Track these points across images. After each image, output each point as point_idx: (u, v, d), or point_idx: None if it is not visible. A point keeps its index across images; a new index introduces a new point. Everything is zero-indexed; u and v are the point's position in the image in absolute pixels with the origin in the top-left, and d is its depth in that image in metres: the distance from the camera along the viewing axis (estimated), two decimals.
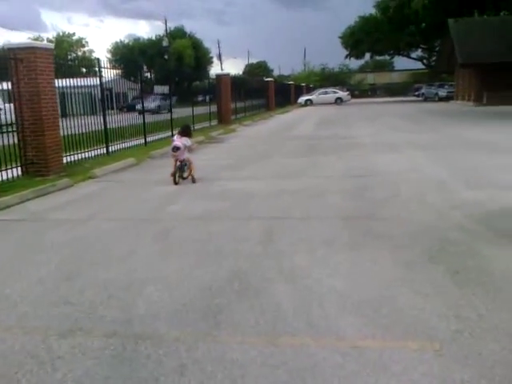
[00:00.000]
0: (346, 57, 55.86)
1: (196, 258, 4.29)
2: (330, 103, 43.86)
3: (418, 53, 54.40)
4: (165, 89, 19.67)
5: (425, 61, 55.16)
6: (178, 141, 7.89)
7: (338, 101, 44.48)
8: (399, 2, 35.94)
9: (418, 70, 62.71)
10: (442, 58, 38.43)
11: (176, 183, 7.78)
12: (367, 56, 56.64)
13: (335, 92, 46.55)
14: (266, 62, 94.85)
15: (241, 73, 77.27)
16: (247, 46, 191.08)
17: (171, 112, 16.06)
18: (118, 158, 10.94)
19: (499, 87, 28.66)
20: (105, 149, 11.54)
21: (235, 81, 26.40)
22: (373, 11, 50.72)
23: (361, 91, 67.12)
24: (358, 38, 50.68)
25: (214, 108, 21.96)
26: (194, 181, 7.95)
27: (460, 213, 5.39)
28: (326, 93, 46.45)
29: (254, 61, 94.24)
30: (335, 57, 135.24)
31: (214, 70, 73.77)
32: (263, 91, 34.36)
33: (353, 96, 50.66)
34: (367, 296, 3.37)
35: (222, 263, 4.14)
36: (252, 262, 4.12)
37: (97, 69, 11.84)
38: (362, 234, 4.81)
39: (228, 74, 24.23)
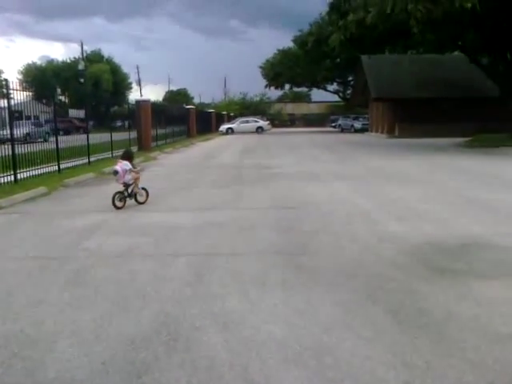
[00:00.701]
0: (266, 86, 57.25)
1: (116, 305, 3.83)
2: (251, 132, 44.41)
3: (334, 86, 56.95)
4: (80, 113, 18.75)
5: (340, 94, 57.80)
6: (118, 165, 8.11)
7: (259, 130, 45.17)
8: (317, 38, 37.44)
9: (334, 102, 65.55)
10: (357, 92, 40.44)
11: (117, 207, 7.88)
12: (286, 86, 58.34)
13: (256, 121, 47.30)
14: (187, 90, 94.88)
15: (161, 99, 76.52)
16: (167, 73, 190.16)
17: (88, 137, 15.25)
18: (28, 186, 10.05)
19: (410, 120, 30.53)
20: (13, 176, 10.60)
21: (156, 107, 25.90)
22: (291, 45, 52.69)
23: (280, 121, 68.79)
24: (277, 71, 52.20)
25: (133, 134, 21.27)
26: (139, 202, 8.28)
27: (389, 246, 5.36)
28: (247, 122, 47.04)
29: (174, 88, 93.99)
30: (255, 85, 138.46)
31: (134, 95, 72.36)
32: (184, 118, 34.07)
33: (273, 125, 51.71)
34: (308, 343, 3.11)
35: (146, 309, 3.71)
36: (180, 307, 3.74)
37: (5, 90, 10.95)
38: (295, 271, 4.59)
39: (148, 100, 23.76)
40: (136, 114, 22.04)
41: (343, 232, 6.11)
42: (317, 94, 73.83)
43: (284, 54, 52.91)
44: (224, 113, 57.23)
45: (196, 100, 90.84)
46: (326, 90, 56.85)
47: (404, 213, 7.17)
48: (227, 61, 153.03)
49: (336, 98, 60.42)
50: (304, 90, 67.96)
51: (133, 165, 8.33)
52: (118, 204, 7.93)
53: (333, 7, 27.21)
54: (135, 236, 6.09)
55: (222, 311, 3.65)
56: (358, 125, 44.19)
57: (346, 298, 3.86)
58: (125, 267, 4.78)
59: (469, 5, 15.92)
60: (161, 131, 25.91)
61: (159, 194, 9.38)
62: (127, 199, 8.10)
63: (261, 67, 56.04)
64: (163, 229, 6.44)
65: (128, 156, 8.45)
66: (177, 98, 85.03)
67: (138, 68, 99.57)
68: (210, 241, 5.77)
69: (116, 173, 8.09)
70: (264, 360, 2.92)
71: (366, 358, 2.92)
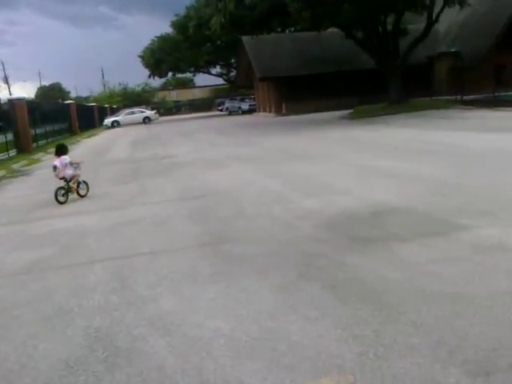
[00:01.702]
0: (150, 76, 55.68)
1: (38, 328, 3.44)
2: (139, 123, 42.98)
3: (218, 69, 56.91)
4: None
5: (224, 76, 57.97)
6: (56, 161, 8.32)
7: (146, 120, 43.85)
8: (197, 22, 36.96)
9: (219, 85, 65.61)
10: (241, 74, 40.78)
11: (60, 202, 7.98)
12: (170, 74, 57.18)
13: (142, 111, 45.81)
14: (61, 84, 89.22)
15: (33, 96, 71.09)
16: (37, 68, 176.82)
17: None
18: None
19: (295, 98, 31.54)
20: None
21: (31, 105, 23.95)
22: (169, 30, 51.58)
23: (165, 109, 67.40)
24: (158, 58, 50.88)
25: (10, 136, 19.48)
26: (81, 195, 8.39)
27: (307, 223, 5.45)
28: (132, 113, 45.39)
29: (46, 83, 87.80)
30: (135, 75, 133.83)
31: (2, 95, 66.35)
32: (64, 115, 31.98)
33: (159, 114, 50.48)
34: (257, 333, 3.04)
35: (72, 327, 3.38)
36: (111, 318, 3.46)
37: None
38: (222, 261, 4.48)
39: (23, 98, 21.83)
40: (10, 115, 20.16)
41: (259, 214, 6.10)
42: (201, 79, 73.54)
43: (163, 40, 51.65)
44: (106, 105, 54.72)
45: (72, 94, 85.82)
46: (209, 73, 56.73)
47: (313, 188, 7.34)
48: (102, 50, 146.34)
49: (220, 81, 60.61)
50: (187, 75, 67.08)
51: (70, 160, 8.40)
52: (61, 199, 8.02)
53: None
54: (38, 247, 5.55)
55: (159, 315, 3.44)
56: (245, 106, 44.68)
57: (281, 281, 3.83)
58: (36, 284, 4.33)
59: None
60: (40, 130, 24.07)
61: (52, 199, 8.67)
62: (69, 194, 8.19)
63: (140, 56, 54.24)
64: (69, 235, 5.95)
65: (63, 151, 8.54)
66: (51, 93, 79.67)
67: (3, 64, 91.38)
68: (125, 242, 5.44)
69: (55, 168, 8.26)
70: (216, 358, 2.80)
71: (318, 337, 2.92)
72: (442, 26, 29.78)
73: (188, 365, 2.75)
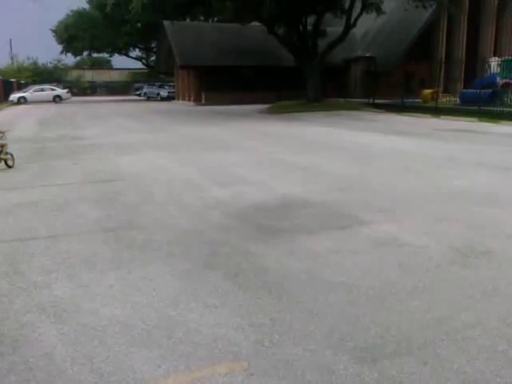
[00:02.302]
0: (62, 52, 52.69)
1: None
2: (48, 101, 40.54)
3: (137, 52, 55.12)
4: None
5: (144, 60, 56.28)
6: None
7: (57, 99, 41.40)
8: (116, 0, 35.48)
9: (137, 69, 63.55)
10: (161, 59, 39.78)
11: None
12: (85, 53, 54.45)
13: (53, 89, 43.18)
14: None
15: None
16: None
17: None
18: None
19: (216, 88, 31.37)
20: None
21: None
22: (86, 6, 49.09)
23: (80, 89, 64.16)
24: (72, 34, 48.26)
25: None
26: (9, 165, 8.47)
27: (217, 212, 5.44)
28: (42, 90, 42.60)
29: None
30: (47, 50, 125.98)
31: None
32: None
33: (72, 94, 47.93)
34: (154, 321, 2.97)
35: None
36: None
37: None
38: (126, 247, 4.34)
39: None
40: None
41: (168, 201, 5.99)
42: (118, 61, 70.59)
43: (79, 16, 49.02)
44: (13, 80, 51.03)
45: None
46: (128, 56, 54.69)
47: (225, 178, 7.34)
48: (12, 21, 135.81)
49: (139, 64, 58.72)
50: (104, 56, 64.29)
51: None
52: None
53: None
54: None
55: (52, 301, 3.26)
56: (164, 93, 43.72)
57: (184, 268, 3.79)
58: None
59: None
60: None
61: None
62: None
63: (53, 30, 51.11)
64: None
65: None
66: None
67: None
68: (21, 224, 5.09)
69: None
70: (110, 346, 2.70)
71: (216, 325, 2.91)
72: (359, 31, 31.06)
73: (79, 353, 2.63)
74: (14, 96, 41.19)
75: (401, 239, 4.39)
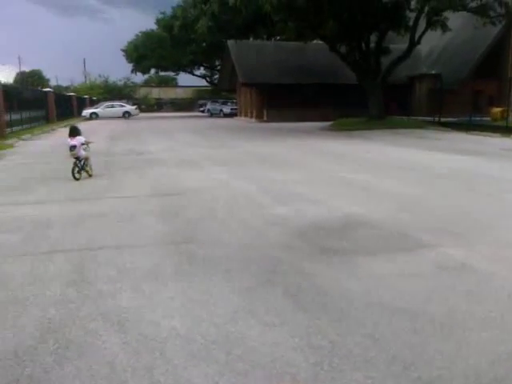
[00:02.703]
0: (132, 71, 55.11)
1: None
2: (118, 117, 42.46)
3: (201, 70, 56.67)
4: None
5: (208, 78, 57.74)
6: (73, 141, 8.95)
7: (126, 115, 43.34)
8: (182, 22, 36.75)
9: (201, 86, 65.31)
10: (224, 77, 40.67)
11: (76, 179, 8.79)
12: (152, 71, 56.68)
13: (122, 106, 45.25)
14: (41, 71, 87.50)
15: (11, 81, 69.59)
16: (18, 53, 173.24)
17: None
18: None
19: (278, 105, 31.62)
20: None
21: (8, 90, 23.42)
22: (154, 27, 51.19)
23: (147, 105, 66.76)
24: (141, 53, 50.39)
25: None
26: (88, 173, 9.19)
27: (277, 229, 5.43)
28: (112, 106, 44.76)
29: (26, 69, 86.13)
30: (117, 69, 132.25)
31: None
32: (42, 102, 31.33)
33: (140, 110, 49.96)
34: (213, 336, 2.99)
35: (26, 316, 3.28)
36: (66, 310, 3.36)
37: None
38: (187, 261, 4.41)
39: None
40: None
41: (229, 217, 6.05)
42: (184, 79, 73.10)
43: (147, 36, 51.15)
44: (86, 97, 53.91)
45: (53, 82, 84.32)
46: (193, 74, 56.33)
47: (285, 195, 7.34)
48: (86, 41, 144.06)
49: (203, 82, 60.27)
50: (170, 74, 66.65)
51: (85, 140, 9.20)
52: (77, 176, 8.89)
53: None
54: (1, 233, 5.38)
55: (115, 310, 3.36)
56: (226, 109, 44.61)
57: (243, 285, 3.79)
58: None
59: None
60: (16, 116, 23.52)
61: (23, 186, 8.48)
62: (82, 172, 9.04)
63: (123, 50, 53.64)
64: (32, 224, 5.79)
65: (77, 132, 9.20)
66: (30, 79, 78.16)
67: None
68: (89, 234, 5.32)
69: (74, 147, 8.91)
70: (169, 359, 2.74)
71: (274, 344, 2.89)
72: (424, 48, 30.38)
73: (139, 363, 2.69)
74: (87, 112, 43.51)
75: (469, 265, 4.18)
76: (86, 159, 9.26)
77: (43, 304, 3.47)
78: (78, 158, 9.03)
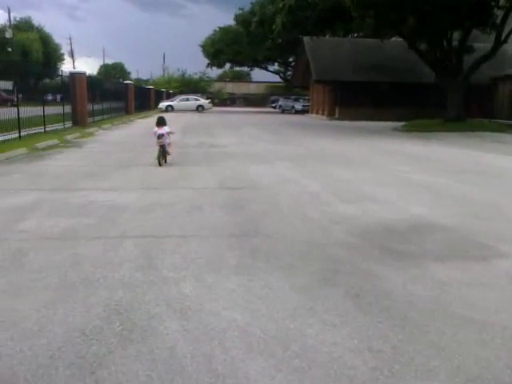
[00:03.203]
0: (208, 66, 56.35)
1: (60, 292, 3.52)
2: (192, 110, 43.58)
3: (275, 66, 56.90)
4: (8, 84, 17.48)
5: (281, 74, 57.90)
6: (161, 130, 9.81)
7: (200, 108, 44.39)
8: (259, 18, 37.02)
9: (274, 82, 65.60)
10: (298, 73, 40.58)
11: (160, 165, 9.62)
12: (227, 65, 57.68)
13: (197, 99, 46.38)
14: (123, 64, 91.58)
15: (95, 73, 73.34)
16: (102, 46, 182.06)
17: (18, 111, 14.22)
18: None
19: (350, 103, 31.13)
20: None
21: (92, 81, 24.73)
22: (232, 23, 51.96)
23: (220, 100, 68.04)
24: (218, 48, 51.40)
25: (68, 109, 20.15)
26: (165, 161, 9.95)
27: (341, 228, 5.34)
28: (187, 99, 46.02)
29: (109, 61, 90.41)
30: (194, 63, 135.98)
31: (66, 67, 68.68)
32: (122, 94, 32.78)
33: (213, 104, 51.01)
34: (272, 331, 2.99)
35: (94, 297, 3.44)
36: (133, 294, 3.50)
37: None
38: (249, 254, 4.45)
39: (84, 73, 22.50)
40: (70, 87, 20.86)
41: (294, 213, 6.04)
42: (257, 74, 73.83)
43: (225, 32, 52.10)
44: (163, 90, 55.77)
45: (133, 75, 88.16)
46: (267, 70, 56.77)
47: (351, 194, 7.21)
48: (166, 36, 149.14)
49: (277, 78, 60.55)
50: (245, 69, 67.44)
51: (170, 130, 10.04)
52: (162, 162, 9.73)
53: None
54: (76, 217, 5.70)
55: (178, 297, 3.45)
56: (298, 106, 44.50)
57: (304, 282, 3.77)
58: (67, 251, 4.43)
59: None
60: (97, 107, 24.79)
61: (100, 172, 8.93)
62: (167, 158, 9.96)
63: (201, 45, 54.95)
64: (106, 209, 6.08)
65: (164, 122, 10.05)
66: (112, 72, 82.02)
67: (70, 39, 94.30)
68: (158, 222, 5.50)
69: (161, 136, 9.71)
70: (227, 349, 2.77)
71: (333, 344, 2.85)
72: (511, 48, 28.62)
73: (198, 351, 2.74)
74: (163, 104, 45.01)
75: None
76: (169, 147, 10.04)
77: (112, 286, 3.63)
78: (163, 146, 9.75)
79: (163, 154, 9.83)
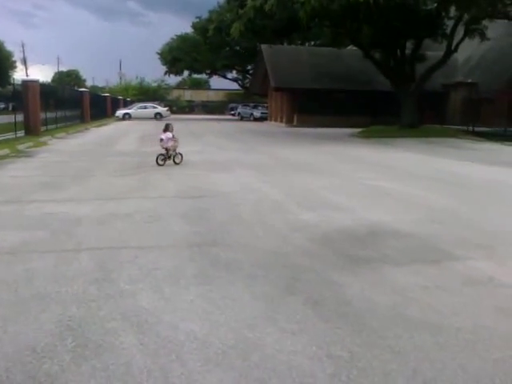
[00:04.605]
0: (166, 73, 55.93)
1: (11, 309, 3.37)
2: (150, 118, 43.09)
3: (234, 74, 57.06)
4: None
5: (240, 82, 58.07)
6: (162, 135, 11.14)
7: (158, 116, 43.96)
8: (217, 25, 37.09)
9: (233, 90, 65.75)
10: (256, 81, 40.84)
11: (159, 165, 10.82)
12: (186, 73, 57.43)
13: (155, 107, 45.94)
14: (78, 71, 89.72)
15: (49, 80, 71.48)
16: (57, 53, 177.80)
17: None
18: None
19: (308, 111, 31.53)
20: None
21: (45, 89, 24.05)
22: (190, 30, 51.83)
23: (179, 107, 67.60)
24: (176, 56, 51.10)
25: (20, 117, 19.49)
26: (175, 162, 11.25)
27: (303, 236, 5.37)
28: (145, 107, 45.52)
29: (64, 69, 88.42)
30: (153, 71, 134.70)
31: (18, 75, 66.66)
32: (77, 102, 32.06)
33: (171, 112, 50.61)
34: (231, 341, 2.96)
35: (47, 313, 3.31)
36: (87, 309, 3.39)
37: None
38: (210, 264, 4.40)
39: (37, 81, 21.87)
40: (23, 96, 20.23)
41: (255, 221, 6.03)
42: (216, 82, 73.62)
43: (182, 40, 51.89)
44: (120, 97, 54.93)
45: (89, 83, 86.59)
46: (225, 77, 56.80)
47: (312, 202, 7.27)
48: (124, 44, 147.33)
49: (235, 85, 60.67)
50: (203, 76, 67.32)
51: (173, 135, 11.14)
52: (160, 162, 10.87)
53: None
54: (29, 229, 5.50)
55: (135, 310, 3.37)
56: (257, 113, 44.74)
57: (264, 291, 3.76)
58: (19, 266, 4.26)
59: None
60: (51, 115, 24.13)
61: (55, 183, 8.66)
62: (167, 160, 11.05)
63: (158, 53, 54.51)
64: (61, 221, 5.90)
65: (168, 128, 11.26)
66: (67, 79, 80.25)
67: (23, 46, 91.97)
68: (115, 233, 5.37)
69: (161, 140, 11.10)
70: (185, 362, 2.72)
71: (292, 352, 2.84)
72: (461, 56, 29.79)
73: (155, 366, 2.67)
74: (120, 112, 44.36)
75: (498, 280, 4.04)
76: (174, 150, 11.20)
77: (65, 302, 3.50)
78: (166, 149, 11.04)
79: (165, 156, 10.98)
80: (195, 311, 3.37)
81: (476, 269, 4.31)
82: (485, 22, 22.34)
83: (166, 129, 11.34)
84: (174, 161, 11.24)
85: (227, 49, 45.72)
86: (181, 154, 11.39)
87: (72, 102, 30.23)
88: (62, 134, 21.82)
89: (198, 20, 50.15)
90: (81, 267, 4.24)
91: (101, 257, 4.53)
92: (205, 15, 48.12)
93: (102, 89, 70.41)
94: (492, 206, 7.25)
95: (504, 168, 11.75)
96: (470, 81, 29.20)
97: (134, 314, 3.32)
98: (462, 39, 23.11)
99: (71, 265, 4.30)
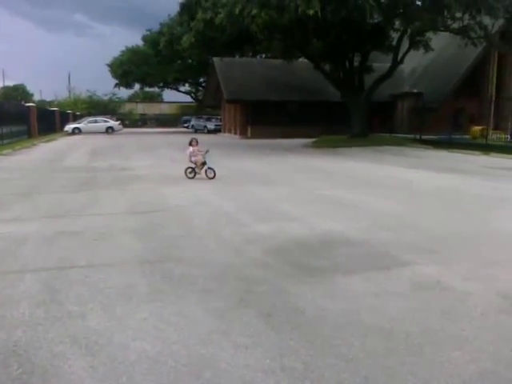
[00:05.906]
0: (116, 86, 55.09)
1: None
2: (101, 132, 42.22)
3: (186, 87, 56.88)
4: None
5: (193, 94, 57.95)
6: (190, 149, 11.37)
7: (110, 130, 43.10)
8: (168, 38, 36.94)
9: (186, 102, 65.46)
10: (209, 93, 40.85)
11: (189, 178, 11.24)
12: (137, 86, 56.77)
13: (106, 121, 45.00)
14: (25, 86, 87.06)
15: None
16: (2, 68, 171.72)
17: None
18: None
19: (262, 122, 31.77)
20: None
21: None
22: (140, 43, 51.38)
23: (131, 121, 66.58)
24: (126, 69, 50.46)
25: None
26: (208, 177, 11.17)
27: (256, 247, 5.38)
28: (95, 121, 44.52)
29: (10, 83, 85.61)
30: (104, 84, 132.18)
31: None
32: (24, 117, 31.02)
33: (123, 126, 49.78)
34: (184, 358, 2.92)
35: None
36: (33, 332, 3.26)
37: None
38: (162, 280, 4.33)
39: None
40: None
41: (208, 235, 5.99)
42: (169, 94, 73.26)
43: (133, 53, 51.32)
44: (69, 111, 53.61)
45: (36, 97, 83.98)
46: (177, 90, 56.53)
47: (266, 213, 7.31)
48: (72, 57, 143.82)
49: (188, 98, 60.49)
50: (156, 90, 66.72)
51: (197, 149, 11.38)
52: (189, 176, 11.28)
53: (184, 8, 27.17)
54: None
55: (84, 332, 3.27)
56: (211, 125, 44.67)
57: (218, 305, 3.73)
58: None
59: (311, 12, 16.94)
60: None
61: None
62: (197, 174, 11.29)
63: (108, 65, 53.67)
64: (4, 241, 5.65)
65: (192, 143, 11.46)
66: (14, 94, 77.73)
67: None
68: (63, 253, 5.20)
69: (189, 154, 11.35)
70: (137, 383, 2.66)
71: (245, 366, 2.83)
72: (407, 67, 30.93)
73: None
74: (69, 127, 43.19)
75: (444, 283, 4.18)
76: (202, 164, 11.25)
77: (9, 326, 3.36)
78: (195, 163, 11.28)
79: (192, 169, 11.25)
80: (147, 330, 3.31)
81: (424, 274, 4.44)
82: (429, 34, 23.30)
83: (192, 143, 11.49)
84: (206, 175, 11.16)
85: (179, 62, 45.56)
86: (213, 170, 11.11)
87: (18, 118, 29.21)
88: (8, 151, 21.01)
89: (148, 33, 49.85)
90: (26, 289, 4.08)
91: (48, 277, 4.37)
92: (155, 28, 47.95)
93: (51, 103, 68.44)
94: (439, 211, 7.51)
95: (450, 174, 12.22)
96: (415, 91, 30.33)
97: (84, 335, 3.22)
98: (408, 51, 24.02)
99: (17, 287, 4.13)
